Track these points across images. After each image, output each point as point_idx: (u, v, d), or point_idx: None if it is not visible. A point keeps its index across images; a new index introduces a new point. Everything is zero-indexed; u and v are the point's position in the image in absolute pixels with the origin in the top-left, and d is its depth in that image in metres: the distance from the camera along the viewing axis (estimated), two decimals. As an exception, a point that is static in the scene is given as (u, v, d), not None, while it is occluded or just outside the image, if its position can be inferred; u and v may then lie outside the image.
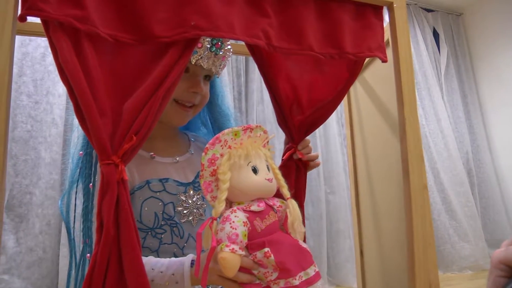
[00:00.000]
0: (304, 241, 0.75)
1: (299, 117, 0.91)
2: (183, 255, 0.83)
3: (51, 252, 2.43)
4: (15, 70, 2.40)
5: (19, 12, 0.62)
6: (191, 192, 0.90)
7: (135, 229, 0.60)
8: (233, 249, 0.61)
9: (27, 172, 2.41)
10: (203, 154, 0.68)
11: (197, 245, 0.63)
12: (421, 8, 4.55)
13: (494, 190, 4.20)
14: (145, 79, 0.66)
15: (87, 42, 0.63)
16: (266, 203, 0.71)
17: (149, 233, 0.84)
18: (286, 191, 0.74)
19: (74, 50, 0.62)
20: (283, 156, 0.95)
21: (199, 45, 0.85)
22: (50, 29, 0.62)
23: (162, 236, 0.85)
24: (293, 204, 0.72)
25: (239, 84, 3.38)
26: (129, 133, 0.62)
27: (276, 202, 0.74)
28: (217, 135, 0.69)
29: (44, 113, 2.54)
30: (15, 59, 2.52)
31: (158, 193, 0.85)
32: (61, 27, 0.62)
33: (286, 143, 0.98)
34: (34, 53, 2.56)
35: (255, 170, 0.69)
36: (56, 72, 2.85)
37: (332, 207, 2.88)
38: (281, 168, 0.90)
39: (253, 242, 0.66)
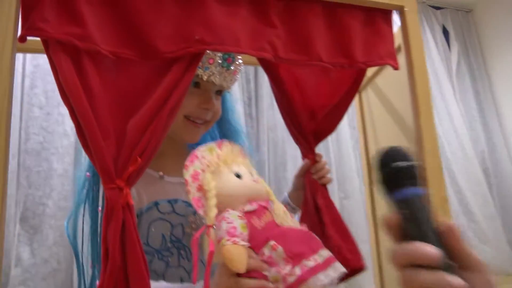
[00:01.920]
0: None
1: (312, 124, 0.88)
2: (190, 279, 0.81)
3: (65, 264, 2.43)
4: (27, 83, 2.41)
5: (19, 32, 0.61)
6: None
7: (143, 258, 0.57)
8: (234, 241, 0.59)
9: (40, 184, 2.38)
10: (184, 171, 0.69)
11: (193, 252, 0.61)
12: (429, 6, 4.50)
13: (513, 188, 4.16)
14: (149, 96, 0.64)
15: (87, 60, 0.62)
16: (258, 204, 0.69)
17: (156, 255, 0.82)
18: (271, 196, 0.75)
19: (75, 69, 0.60)
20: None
21: (211, 61, 0.82)
22: (50, 49, 0.60)
23: (169, 259, 0.82)
24: (276, 204, 0.73)
25: (249, 90, 3.35)
26: (134, 154, 0.59)
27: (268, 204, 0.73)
28: (193, 152, 0.72)
29: (56, 124, 2.54)
30: (27, 72, 2.52)
31: (166, 215, 0.83)
32: (61, 46, 0.60)
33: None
34: (45, 65, 2.56)
35: (238, 176, 0.70)
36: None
37: (346, 213, 2.83)
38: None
39: (257, 241, 0.63)
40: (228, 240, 0.59)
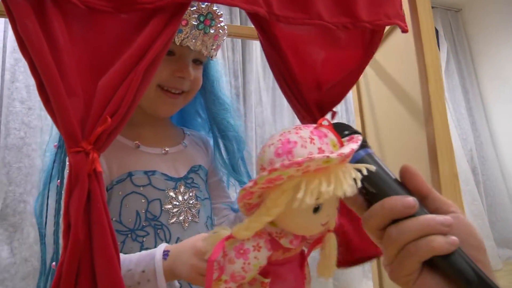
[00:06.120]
0: None
1: (315, 94, 0.79)
2: None
3: (47, 263, 2.36)
4: (7, 76, 2.33)
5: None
6: (182, 188, 0.78)
7: (111, 232, 0.48)
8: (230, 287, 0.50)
9: (21, 180, 2.33)
10: (265, 173, 0.43)
11: (207, 275, 0.46)
12: (420, 4, 4.49)
13: (500, 187, 4.11)
14: (124, 52, 0.55)
15: (52, 7, 0.53)
16: (301, 240, 0.53)
17: (129, 235, 0.73)
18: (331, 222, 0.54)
19: (36, 16, 0.51)
20: None
21: (184, 22, 0.73)
22: (5, -8, 0.51)
23: (144, 239, 0.73)
24: (330, 242, 0.53)
25: (237, 86, 3.29)
26: (104, 115, 0.51)
27: None
28: (300, 160, 0.42)
29: (38, 120, 2.47)
30: (7, 65, 2.41)
31: (141, 188, 0.74)
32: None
33: None
34: (28, 58, 2.49)
35: (317, 209, 0.48)
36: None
37: (335, 209, 2.81)
38: None
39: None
40: (226, 282, 0.49)
